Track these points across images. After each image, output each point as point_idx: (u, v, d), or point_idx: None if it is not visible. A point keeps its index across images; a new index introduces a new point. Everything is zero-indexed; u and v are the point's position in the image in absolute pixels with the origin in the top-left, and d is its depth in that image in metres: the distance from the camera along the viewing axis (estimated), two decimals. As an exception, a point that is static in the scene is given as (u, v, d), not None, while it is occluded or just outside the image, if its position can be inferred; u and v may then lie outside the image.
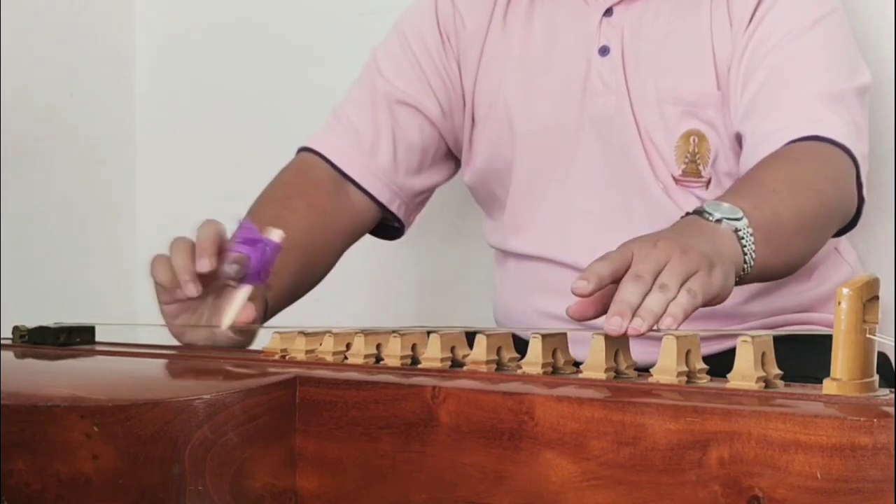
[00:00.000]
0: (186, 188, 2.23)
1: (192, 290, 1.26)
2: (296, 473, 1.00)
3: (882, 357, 1.50)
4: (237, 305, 1.27)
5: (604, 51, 1.50)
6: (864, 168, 1.39)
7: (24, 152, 2.05)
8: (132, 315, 2.11)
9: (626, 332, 1.01)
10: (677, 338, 0.95)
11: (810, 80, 1.41)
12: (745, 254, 1.17)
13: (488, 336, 1.05)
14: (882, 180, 1.70)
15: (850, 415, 0.81)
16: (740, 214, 1.17)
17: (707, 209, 1.17)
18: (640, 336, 1.01)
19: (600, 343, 0.99)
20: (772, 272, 1.25)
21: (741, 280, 1.18)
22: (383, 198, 1.59)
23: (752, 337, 0.93)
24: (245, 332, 1.30)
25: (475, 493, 0.92)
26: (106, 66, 2.22)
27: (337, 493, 0.98)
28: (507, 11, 1.57)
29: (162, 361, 1.22)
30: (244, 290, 1.27)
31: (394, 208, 1.61)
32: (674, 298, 1.03)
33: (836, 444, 0.79)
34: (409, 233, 1.68)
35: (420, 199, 1.65)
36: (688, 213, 1.19)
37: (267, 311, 1.39)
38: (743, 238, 1.17)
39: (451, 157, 1.65)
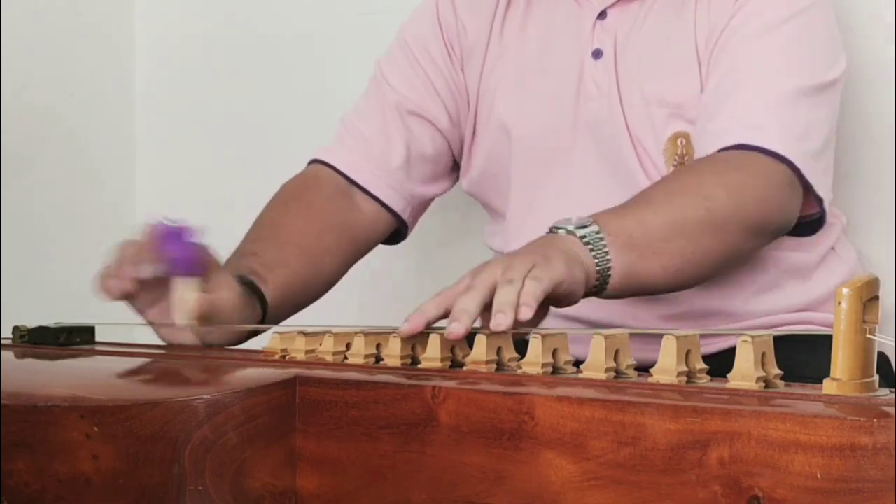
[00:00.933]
0: (186, 188, 2.23)
1: (134, 291, 1.29)
2: (296, 473, 1.00)
3: (882, 357, 1.50)
4: (185, 300, 1.27)
5: (597, 54, 1.50)
6: (809, 168, 1.38)
7: (24, 152, 2.05)
8: (132, 315, 2.10)
9: (498, 329, 1.06)
10: (677, 338, 0.95)
11: (760, 83, 1.41)
12: (597, 258, 1.20)
13: (488, 336, 1.05)
14: (881, 180, 1.70)
15: (850, 415, 0.81)
16: (588, 222, 1.22)
17: (555, 225, 1.22)
18: (506, 331, 1.06)
19: (600, 343, 0.99)
20: (651, 279, 1.27)
21: (604, 285, 1.22)
22: (398, 207, 1.59)
23: (752, 337, 0.93)
24: (233, 330, 1.31)
25: (475, 493, 0.92)
26: (106, 66, 2.22)
27: (337, 493, 0.98)
28: (506, 17, 1.57)
29: (162, 361, 1.22)
30: (182, 285, 1.28)
31: (406, 216, 1.61)
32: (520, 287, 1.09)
33: (836, 444, 0.79)
34: (410, 233, 1.68)
35: (426, 205, 1.65)
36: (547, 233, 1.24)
37: (266, 311, 1.39)
38: (590, 243, 1.21)
39: (457, 165, 1.65)
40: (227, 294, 1.32)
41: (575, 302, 1.18)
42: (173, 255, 1.27)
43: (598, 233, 1.21)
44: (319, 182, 1.57)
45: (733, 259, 1.39)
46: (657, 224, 1.27)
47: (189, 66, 2.24)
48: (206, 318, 1.28)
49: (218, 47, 2.21)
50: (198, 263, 1.28)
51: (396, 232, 1.64)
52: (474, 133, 1.60)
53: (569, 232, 1.21)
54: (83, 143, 2.17)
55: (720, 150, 1.37)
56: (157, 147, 2.25)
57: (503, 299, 1.08)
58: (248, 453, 0.97)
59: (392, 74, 1.61)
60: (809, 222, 1.44)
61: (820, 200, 1.41)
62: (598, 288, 1.22)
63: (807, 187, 1.39)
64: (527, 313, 1.07)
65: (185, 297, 1.27)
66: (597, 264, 1.21)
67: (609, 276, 1.22)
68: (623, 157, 1.49)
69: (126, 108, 2.24)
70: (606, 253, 1.21)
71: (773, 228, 1.39)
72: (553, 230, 1.22)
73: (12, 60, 2.02)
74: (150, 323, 1.32)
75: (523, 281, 1.10)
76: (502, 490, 0.91)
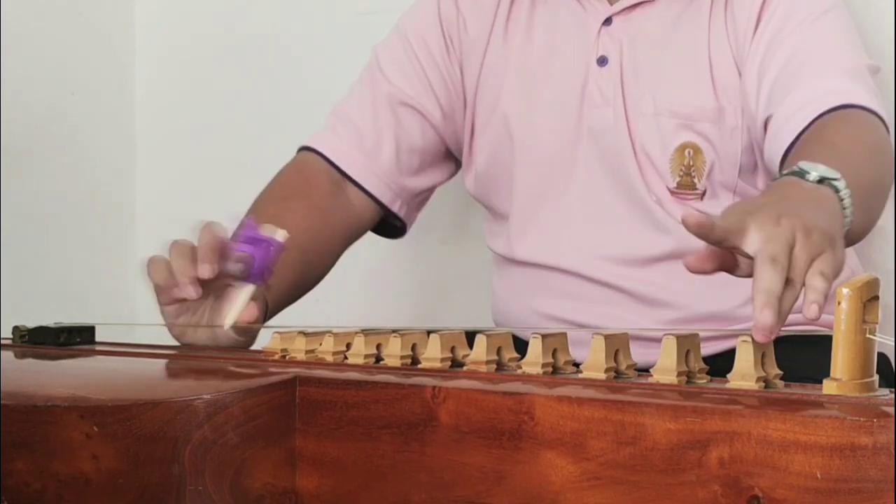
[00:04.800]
0: (186, 188, 2.23)
1: (191, 292, 1.25)
2: (296, 473, 1.00)
3: (882, 357, 1.50)
4: (239, 305, 1.26)
5: (602, 61, 1.50)
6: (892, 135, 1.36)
7: (24, 152, 2.05)
8: (132, 315, 2.11)
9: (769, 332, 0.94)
10: (677, 338, 0.95)
11: (830, 57, 1.40)
12: (846, 217, 1.11)
13: (488, 336, 1.05)
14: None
15: (850, 415, 0.81)
16: (838, 175, 1.11)
17: (805, 168, 1.11)
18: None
19: (600, 343, 0.99)
20: (853, 238, 1.18)
21: None
22: (385, 198, 1.59)
23: (753, 337, 0.93)
24: (246, 332, 1.30)
25: (475, 493, 0.92)
26: (106, 66, 2.22)
27: (337, 493, 0.98)
28: (509, 18, 1.57)
29: (162, 361, 1.22)
30: (247, 290, 1.27)
31: (395, 208, 1.61)
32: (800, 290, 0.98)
33: (836, 444, 0.79)
34: (409, 232, 1.68)
35: (420, 198, 1.65)
36: (783, 174, 1.13)
37: (267, 312, 1.39)
38: (843, 199, 1.10)
39: (451, 158, 1.65)
40: (261, 306, 1.33)
41: None
42: (256, 261, 1.25)
43: (847, 188, 1.10)
44: (316, 176, 1.57)
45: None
46: (865, 179, 1.18)
47: (189, 66, 2.24)
48: (250, 326, 1.28)
49: (218, 47, 2.20)
50: (269, 276, 1.27)
51: (394, 226, 1.64)
52: (473, 132, 1.60)
53: (835, 188, 1.10)
54: (83, 142, 2.17)
55: (823, 114, 1.32)
56: (157, 147, 2.25)
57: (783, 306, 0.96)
58: (248, 453, 0.97)
59: (387, 63, 1.61)
60: None
61: None
62: None
63: None
64: (816, 313, 0.95)
65: (240, 301, 1.26)
66: (844, 225, 1.10)
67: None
68: (624, 166, 1.48)
69: (126, 108, 2.24)
70: (852, 212, 1.11)
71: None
72: (806, 174, 1.10)
73: (13, 60, 2.02)
74: (168, 317, 1.32)
75: (802, 279, 0.98)
76: (502, 490, 0.91)
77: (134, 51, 2.25)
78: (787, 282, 0.96)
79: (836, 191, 1.10)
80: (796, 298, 0.97)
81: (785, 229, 0.98)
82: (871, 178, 1.21)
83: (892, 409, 0.83)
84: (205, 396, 0.97)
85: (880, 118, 1.34)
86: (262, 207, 1.52)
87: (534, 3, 1.56)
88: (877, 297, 0.90)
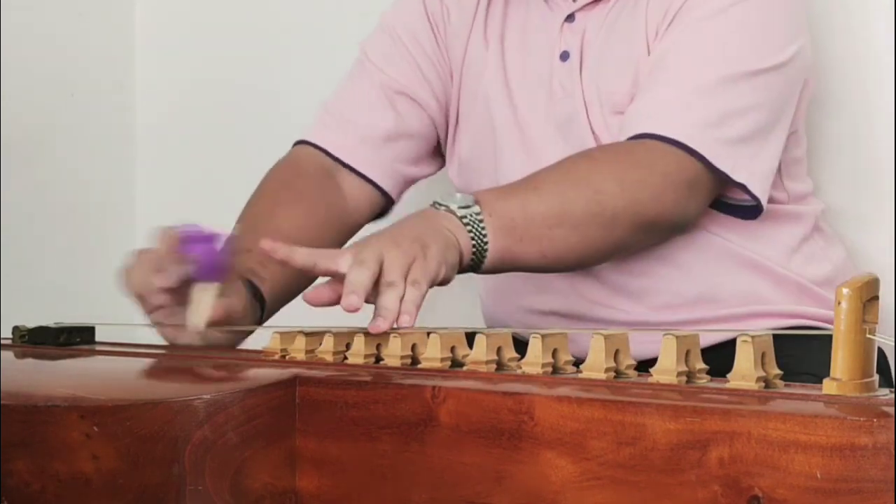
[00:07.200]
0: (186, 188, 2.22)
1: (159, 301, 1.28)
2: (296, 473, 1.00)
3: (882, 357, 1.50)
4: (202, 304, 1.27)
5: (564, 56, 1.52)
6: (723, 155, 1.39)
7: (25, 152, 2.05)
8: (132, 315, 2.10)
9: (377, 331, 1.12)
10: (677, 338, 0.95)
11: (681, 73, 1.42)
12: (474, 238, 1.26)
13: (488, 336, 1.05)
14: (881, 181, 1.70)
15: (850, 415, 0.81)
16: (471, 202, 1.27)
17: (439, 201, 1.28)
18: (384, 332, 1.12)
19: (600, 343, 0.99)
20: (528, 262, 1.33)
21: (479, 264, 1.28)
22: (384, 183, 1.59)
23: (752, 337, 0.93)
24: (233, 331, 1.31)
25: (475, 493, 0.92)
26: (106, 66, 2.22)
27: (337, 493, 0.98)
28: (488, 14, 1.58)
29: (162, 361, 1.22)
30: (208, 289, 1.28)
31: (394, 194, 1.61)
32: (403, 295, 1.16)
33: (836, 444, 0.79)
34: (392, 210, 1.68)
35: (408, 187, 1.65)
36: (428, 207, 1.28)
37: (265, 307, 1.39)
38: (469, 224, 1.26)
39: (441, 150, 1.66)
40: (238, 301, 1.33)
41: (448, 282, 1.24)
42: (202, 259, 1.26)
43: (478, 214, 1.27)
44: (305, 167, 1.57)
45: (621, 251, 1.42)
46: (541, 211, 1.31)
47: (189, 67, 2.24)
48: (218, 323, 1.29)
49: (218, 47, 2.20)
50: (223, 270, 1.28)
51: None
52: (458, 120, 1.60)
53: (449, 210, 1.26)
54: (83, 142, 2.17)
55: (630, 138, 1.39)
56: (157, 147, 2.25)
57: (386, 304, 1.15)
58: (248, 453, 0.97)
59: (377, 56, 1.61)
60: (752, 207, 1.44)
61: (741, 186, 1.41)
62: (473, 266, 1.28)
63: (723, 177, 1.39)
64: (407, 321, 1.15)
65: (204, 301, 1.27)
66: (473, 245, 1.26)
67: (485, 256, 1.28)
68: None
69: (126, 108, 2.24)
70: (484, 235, 1.27)
71: (666, 226, 1.41)
72: (436, 205, 1.27)
73: (13, 60, 2.02)
74: (156, 323, 1.32)
75: (404, 282, 1.17)
76: (502, 490, 0.91)
77: (134, 51, 2.25)
78: (388, 284, 1.16)
79: (461, 217, 1.26)
80: (402, 296, 1.16)
81: (373, 245, 1.19)
82: (558, 210, 1.32)
83: (892, 409, 0.83)
84: (205, 396, 0.97)
85: (687, 148, 1.37)
86: (254, 204, 1.52)
87: (507, 2, 1.57)
88: (877, 297, 0.90)
